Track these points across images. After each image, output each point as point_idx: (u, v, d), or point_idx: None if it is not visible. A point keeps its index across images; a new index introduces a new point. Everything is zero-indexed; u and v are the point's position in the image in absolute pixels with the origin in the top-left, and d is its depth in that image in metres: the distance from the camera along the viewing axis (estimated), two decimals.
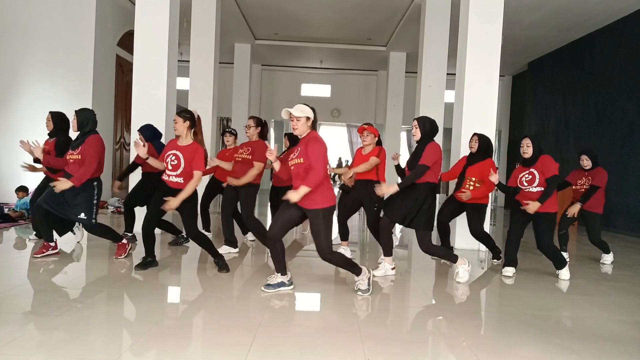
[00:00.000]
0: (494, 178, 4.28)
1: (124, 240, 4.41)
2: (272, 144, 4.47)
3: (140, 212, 5.10)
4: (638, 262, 5.55)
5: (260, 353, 2.39)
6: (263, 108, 14.09)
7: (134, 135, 5.71)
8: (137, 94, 5.82)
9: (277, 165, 3.52)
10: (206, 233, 5.28)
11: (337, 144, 18.07)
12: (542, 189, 4.11)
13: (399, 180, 3.95)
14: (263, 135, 4.70)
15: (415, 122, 3.94)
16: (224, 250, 4.70)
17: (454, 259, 4.06)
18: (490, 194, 4.79)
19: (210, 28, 8.14)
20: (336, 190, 4.41)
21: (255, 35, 11.44)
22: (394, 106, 12.13)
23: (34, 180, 7.53)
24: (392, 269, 4.20)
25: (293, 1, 8.91)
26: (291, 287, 3.55)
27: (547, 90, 11.16)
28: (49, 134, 4.83)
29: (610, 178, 5.35)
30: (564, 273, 4.35)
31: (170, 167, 3.87)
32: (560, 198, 4.58)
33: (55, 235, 4.40)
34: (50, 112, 4.78)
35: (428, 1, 7.99)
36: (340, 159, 19.30)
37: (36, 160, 4.62)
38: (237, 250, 4.88)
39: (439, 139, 5.98)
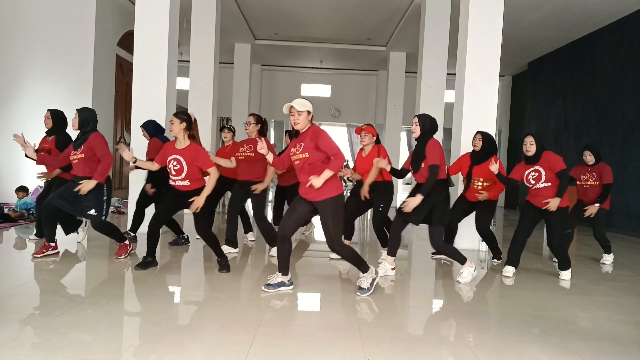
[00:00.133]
0: (494, 168, 4.28)
1: (127, 241, 4.42)
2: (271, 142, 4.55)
3: (148, 214, 5.14)
4: (638, 262, 5.55)
5: (260, 353, 2.39)
6: (263, 108, 14.07)
7: (134, 135, 5.72)
8: (137, 94, 5.82)
9: (270, 157, 3.54)
10: None
11: (337, 143, 18.01)
12: (549, 184, 4.14)
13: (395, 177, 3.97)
14: (263, 132, 4.74)
15: (416, 120, 3.96)
16: (224, 249, 4.70)
17: (462, 260, 4.07)
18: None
19: (210, 28, 8.13)
20: (347, 193, 4.42)
21: (255, 35, 11.43)
22: (394, 106, 12.12)
23: (34, 180, 7.56)
24: (392, 269, 4.20)
25: (293, 1, 8.91)
26: (291, 287, 3.55)
27: (547, 90, 11.16)
28: (47, 132, 4.84)
29: None
30: (566, 274, 4.36)
31: (174, 173, 3.88)
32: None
33: (58, 234, 4.40)
34: (49, 110, 4.79)
35: (428, 1, 7.98)
36: None
37: (27, 156, 4.59)
38: (237, 250, 4.88)
39: (438, 138, 5.97)
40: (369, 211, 5.07)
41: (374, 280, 3.57)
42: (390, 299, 3.59)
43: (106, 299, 3.18)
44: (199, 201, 3.78)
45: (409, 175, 4.34)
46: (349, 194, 4.94)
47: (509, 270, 4.37)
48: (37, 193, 7.22)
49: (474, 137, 4.75)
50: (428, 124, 3.91)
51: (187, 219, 6.86)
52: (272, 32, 11.07)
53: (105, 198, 4.14)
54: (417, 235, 6.66)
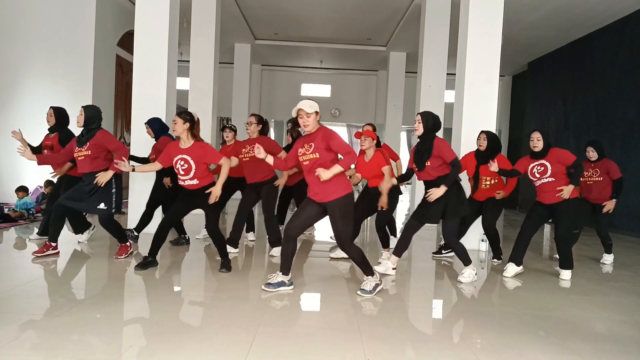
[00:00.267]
0: (494, 167, 4.31)
1: (128, 243, 4.42)
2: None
3: (156, 216, 5.18)
4: (638, 262, 5.55)
5: (260, 353, 2.39)
6: (263, 108, 14.07)
7: (134, 135, 5.72)
8: (137, 94, 5.82)
9: (270, 160, 3.54)
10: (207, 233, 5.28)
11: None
12: (553, 179, 4.17)
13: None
14: (264, 133, 4.77)
15: (419, 117, 3.95)
16: None
17: (467, 262, 4.08)
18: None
19: (210, 28, 8.13)
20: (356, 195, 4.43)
21: (255, 35, 11.43)
22: (394, 106, 12.12)
23: (34, 180, 7.57)
24: (393, 268, 4.20)
25: (293, 1, 8.91)
26: (291, 287, 3.55)
27: (547, 90, 11.15)
28: (49, 129, 4.84)
29: None
30: (567, 274, 4.35)
31: (182, 172, 3.88)
32: None
33: (62, 233, 4.40)
34: (52, 107, 4.81)
35: (428, 1, 7.98)
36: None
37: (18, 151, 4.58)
38: (237, 250, 4.88)
39: None
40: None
41: (377, 285, 3.56)
42: (391, 299, 3.59)
43: (106, 299, 3.18)
44: (216, 190, 3.82)
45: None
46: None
47: (510, 271, 4.36)
48: (37, 193, 7.23)
49: (479, 136, 4.73)
50: (431, 122, 3.91)
51: (187, 219, 6.85)
52: (272, 32, 11.07)
53: (114, 191, 4.17)
54: (417, 235, 6.64)
